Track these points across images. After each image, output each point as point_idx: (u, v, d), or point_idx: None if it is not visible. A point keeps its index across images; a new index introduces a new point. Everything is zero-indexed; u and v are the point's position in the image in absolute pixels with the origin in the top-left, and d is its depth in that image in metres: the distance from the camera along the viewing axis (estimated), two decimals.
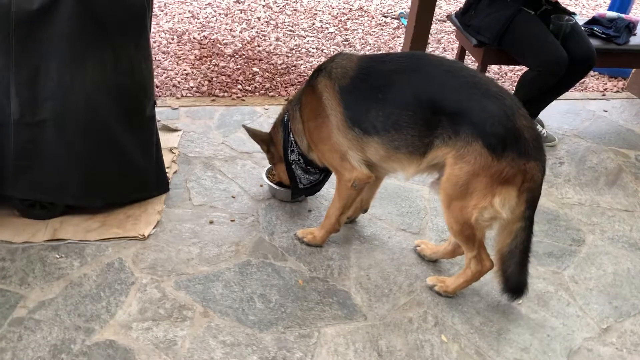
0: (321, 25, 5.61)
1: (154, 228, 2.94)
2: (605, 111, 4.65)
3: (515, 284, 2.62)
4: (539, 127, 4.06)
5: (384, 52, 5.33)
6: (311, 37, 5.36)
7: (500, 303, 2.74)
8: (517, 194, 2.35)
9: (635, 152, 4.15)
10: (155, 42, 4.89)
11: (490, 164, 2.30)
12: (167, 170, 3.33)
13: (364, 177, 2.65)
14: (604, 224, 3.37)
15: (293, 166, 2.92)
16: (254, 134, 3.07)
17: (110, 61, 2.59)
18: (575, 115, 4.57)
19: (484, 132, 2.29)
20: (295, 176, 2.96)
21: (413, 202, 3.36)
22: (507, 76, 5.19)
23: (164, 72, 4.44)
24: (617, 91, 4.98)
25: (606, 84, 5.06)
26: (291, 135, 2.86)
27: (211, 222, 3.04)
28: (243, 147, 3.69)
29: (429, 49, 5.45)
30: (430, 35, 5.67)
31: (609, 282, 2.93)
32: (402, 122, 2.45)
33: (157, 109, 3.93)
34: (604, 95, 4.89)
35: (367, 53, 5.17)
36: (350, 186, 2.68)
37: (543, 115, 4.13)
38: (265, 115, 4.10)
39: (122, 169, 2.91)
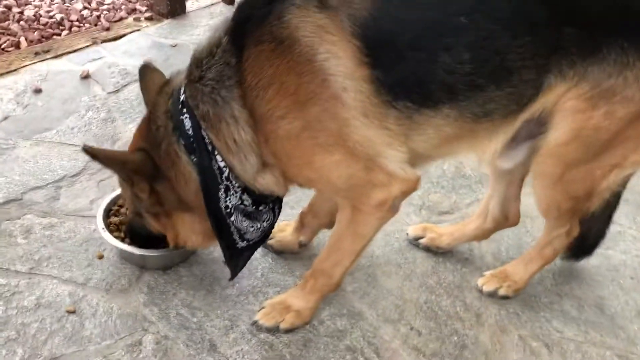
0: None
1: None
2: None
3: (593, 242, 1.83)
4: None
5: None
6: None
7: (562, 267, 1.91)
8: None
9: None
10: None
11: None
12: None
13: (412, 185, 1.36)
14: None
15: (232, 218, 1.38)
16: (113, 160, 1.38)
17: None
18: None
19: None
20: (231, 234, 1.42)
21: None
22: None
23: None
24: None
25: None
26: (218, 158, 1.29)
27: None
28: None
29: None
30: None
31: None
32: (514, 59, 1.22)
33: None
34: None
35: None
36: (387, 210, 1.36)
37: None
38: None
39: None
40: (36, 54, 2.39)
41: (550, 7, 1.21)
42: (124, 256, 1.65)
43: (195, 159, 1.31)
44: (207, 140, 1.29)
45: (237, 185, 1.34)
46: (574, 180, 1.45)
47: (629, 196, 2.25)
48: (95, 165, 1.95)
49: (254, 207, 1.40)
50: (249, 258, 1.54)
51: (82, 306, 1.52)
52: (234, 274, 1.52)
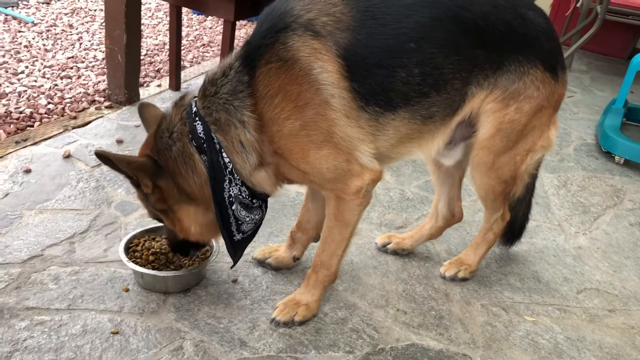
0: None
1: None
2: None
3: (520, 227, 2.32)
4: None
5: None
6: None
7: (501, 254, 2.37)
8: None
9: None
10: None
11: (554, 90, 1.84)
12: None
13: (378, 175, 1.74)
14: None
15: (234, 207, 1.70)
16: (121, 161, 1.63)
17: None
18: None
19: (542, 51, 1.78)
20: (230, 224, 1.74)
21: None
22: None
23: None
24: None
25: None
26: (224, 155, 1.64)
27: None
28: None
29: None
30: None
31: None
32: (448, 73, 1.68)
33: None
34: None
35: None
36: (363, 195, 1.73)
37: None
38: None
39: None
40: (16, 142, 2.63)
41: (468, 37, 1.68)
42: (147, 283, 1.90)
43: (205, 157, 1.62)
44: (215, 141, 1.61)
45: (237, 178, 1.66)
46: (502, 166, 1.90)
47: (539, 200, 2.80)
48: (100, 222, 2.21)
49: (249, 199, 1.71)
50: (244, 250, 1.83)
51: (123, 328, 1.74)
52: (235, 261, 1.82)
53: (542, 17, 1.80)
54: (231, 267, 1.89)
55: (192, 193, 1.69)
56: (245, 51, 1.61)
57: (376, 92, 1.62)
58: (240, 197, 1.70)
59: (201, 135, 1.62)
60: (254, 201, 1.74)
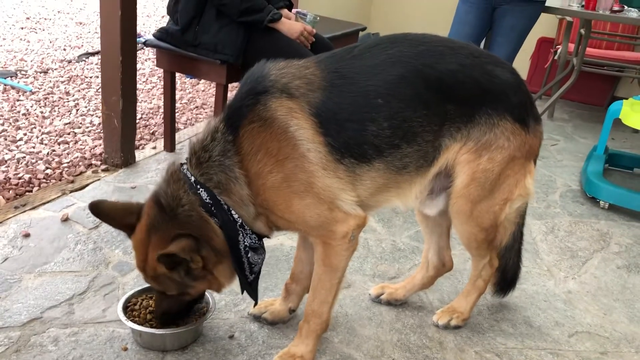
0: None
1: None
2: None
3: (513, 276, 2.35)
4: None
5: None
6: None
7: (493, 302, 2.41)
8: (534, 166, 2.06)
9: None
10: None
11: (525, 140, 1.94)
12: None
13: (362, 220, 1.81)
14: None
15: (249, 255, 1.77)
16: (183, 250, 1.63)
17: None
18: None
19: (511, 105, 1.89)
20: (244, 270, 1.79)
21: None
22: None
23: None
24: None
25: None
26: (232, 213, 1.71)
27: None
28: None
29: None
30: None
31: None
32: (417, 126, 1.79)
33: None
34: None
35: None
36: (348, 241, 1.79)
37: None
38: None
39: None
40: (15, 207, 2.70)
41: (436, 93, 1.79)
42: (146, 342, 1.93)
43: (216, 220, 1.69)
44: (222, 202, 1.68)
45: (247, 229, 1.73)
46: (481, 214, 1.96)
47: (527, 246, 2.86)
48: (98, 283, 2.25)
49: (258, 243, 1.78)
50: (257, 287, 1.88)
51: None
52: (256, 299, 1.90)
53: (509, 72, 1.92)
54: (254, 306, 2.05)
55: (221, 251, 1.75)
56: (228, 113, 1.73)
57: (350, 145, 1.73)
58: (253, 244, 1.78)
59: (207, 201, 1.69)
60: (260, 242, 1.83)
